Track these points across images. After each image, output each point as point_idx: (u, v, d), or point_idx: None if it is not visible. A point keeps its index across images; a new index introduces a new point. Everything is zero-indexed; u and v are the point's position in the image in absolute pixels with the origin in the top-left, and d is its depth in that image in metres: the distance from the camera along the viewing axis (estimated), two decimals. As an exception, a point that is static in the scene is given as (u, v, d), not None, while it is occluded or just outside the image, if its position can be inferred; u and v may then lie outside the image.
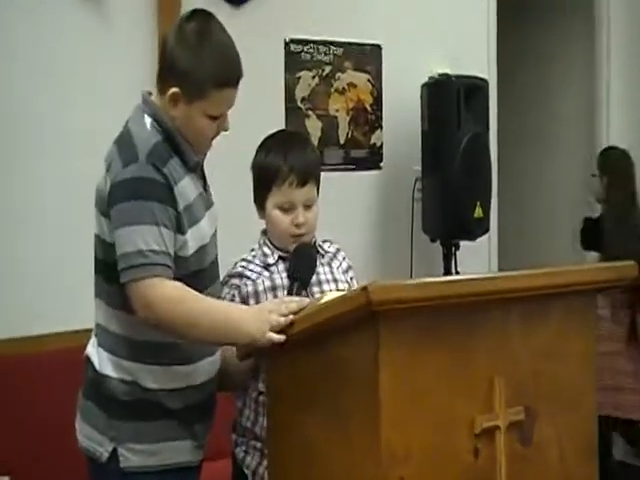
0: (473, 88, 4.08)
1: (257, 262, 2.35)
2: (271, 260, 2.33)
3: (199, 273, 2.20)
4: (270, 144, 2.35)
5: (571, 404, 2.01)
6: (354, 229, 4.19)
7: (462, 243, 4.19)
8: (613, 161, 4.45)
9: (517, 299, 1.88)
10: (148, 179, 2.08)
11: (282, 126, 3.86)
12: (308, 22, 4.03)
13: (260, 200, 2.33)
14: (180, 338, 2.09)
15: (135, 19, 3.50)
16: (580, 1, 5.37)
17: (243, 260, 2.37)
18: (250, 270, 2.33)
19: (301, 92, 4.03)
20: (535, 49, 5.80)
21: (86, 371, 2.27)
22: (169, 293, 2.04)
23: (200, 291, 2.13)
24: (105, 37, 3.47)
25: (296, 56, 4.01)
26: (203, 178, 2.32)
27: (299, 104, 4.02)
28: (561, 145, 5.66)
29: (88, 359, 2.26)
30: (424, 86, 4.15)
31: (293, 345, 1.94)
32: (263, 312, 2.03)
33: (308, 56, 4.04)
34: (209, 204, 2.31)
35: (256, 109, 3.80)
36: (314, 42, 4.05)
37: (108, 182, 2.12)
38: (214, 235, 2.30)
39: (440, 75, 4.15)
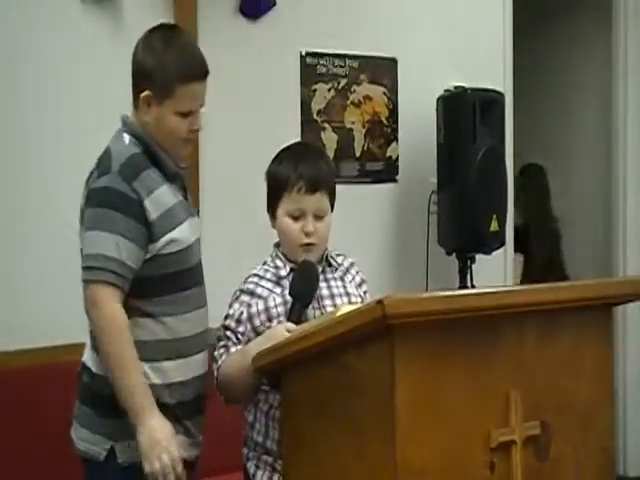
0: (489, 101, 4.08)
1: (269, 277, 2.33)
2: (283, 272, 2.32)
3: (182, 273, 2.34)
4: (284, 154, 2.38)
5: (587, 419, 2.00)
6: (370, 242, 4.19)
7: (478, 256, 4.17)
8: (532, 176, 5.25)
9: (533, 313, 1.88)
10: (115, 190, 2.24)
11: (298, 139, 3.87)
12: (324, 35, 4.04)
13: (272, 208, 2.35)
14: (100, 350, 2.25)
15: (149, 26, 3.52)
16: (597, 13, 5.36)
17: (255, 275, 2.35)
18: (262, 287, 2.31)
19: (317, 105, 4.03)
20: (551, 61, 5.80)
21: (81, 378, 2.38)
22: (116, 313, 2.21)
23: (184, 290, 2.33)
24: (117, 44, 3.48)
25: (312, 69, 4.02)
26: (184, 189, 2.46)
27: (315, 117, 4.03)
28: (577, 157, 5.65)
29: (84, 365, 2.38)
30: (440, 99, 4.14)
31: (308, 358, 1.93)
32: (159, 441, 2.17)
33: (324, 69, 4.05)
34: (191, 212, 2.44)
35: (272, 122, 3.82)
36: (330, 55, 4.06)
37: (85, 193, 2.33)
38: (197, 242, 2.43)
39: (456, 88, 4.15)
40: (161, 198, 2.29)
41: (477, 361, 1.81)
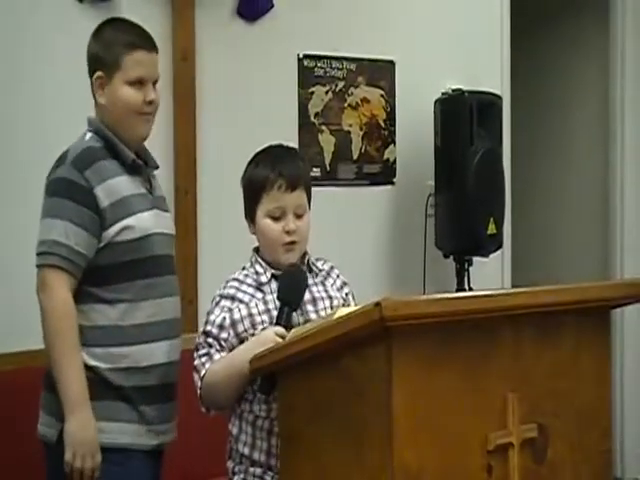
0: (486, 104, 4.08)
1: (249, 282, 2.30)
2: (264, 279, 2.29)
3: (140, 262, 2.38)
4: (259, 158, 2.35)
5: (585, 422, 1.99)
6: (367, 244, 4.19)
7: (475, 259, 4.18)
8: None
9: (530, 315, 1.88)
10: (67, 180, 2.32)
11: (295, 141, 3.87)
12: (322, 38, 4.04)
13: (251, 213, 2.32)
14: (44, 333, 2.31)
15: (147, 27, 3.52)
16: (595, 15, 5.36)
17: (235, 280, 2.32)
18: (243, 292, 2.28)
19: (314, 107, 4.03)
20: (549, 64, 5.80)
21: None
22: (63, 298, 2.28)
23: (142, 279, 2.37)
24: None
25: (309, 71, 4.02)
26: (149, 182, 2.50)
27: (312, 119, 4.03)
28: (575, 160, 5.65)
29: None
30: (437, 102, 4.15)
31: (306, 360, 1.93)
32: (88, 442, 2.26)
33: (321, 71, 4.05)
34: (157, 206, 2.47)
35: (269, 124, 3.82)
36: (327, 57, 4.06)
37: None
38: (162, 235, 2.45)
39: (453, 91, 4.15)
40: (115, 187, 2.34)
41: (475, 364, 1.81)
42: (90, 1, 3.46)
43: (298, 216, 2.28)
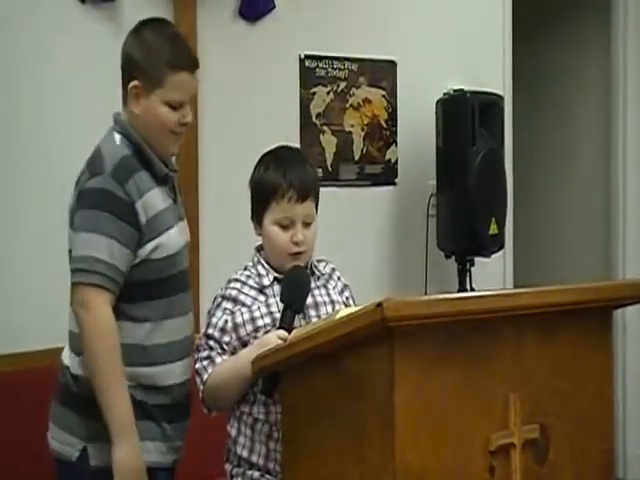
0: (488, 104, 4.08)
1: (251, 283, 2.28)
2: (266, 282, 2.28)
3: (168, 280, 2.31)
4: (268, 160, 2.31)
5: (587, 422, 1.99)
6: (368, 245, 4.19)
7: (477, 259, 4.17)
8: None
9: (532, 316, 1.87)
10: (109, 192, 2.20)
11: (297, 142, 3.87)
12: (323, 38, 4.04)
13: (258, 216, 2.29)
14: (82, 353, 2.22)
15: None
16: (597, 15, 5.36)
17: (237, 281, 2.30)
18: (245, 294, 2.27)
19: (316, 108, 4.03)
20: (550, 64, 5.80)
21: (59, 379, 2.35)
22: (108, 318, 2.18)
23: (168, 297, 2.30)
24: (117, 45, 3.48)
25: (311, 72, 4.02)
26: (174, 191, 2.42)
27: (314, 120, 4.03)
28: (577, 160, 5.65)
29: (62, 365, 2.35)
30: (439, 102, 4.14)
31: (308, 360, 1.93)
32: (137, 471, 2.18)
33: (323, 72, 4.05)
34: (180, 216, 2.41)
35: (271, 125, 3.82)
36: (329, 58, 4.06)
37: (75, 194, 2.28)
38: (185, 247, 2.40)
39: (455, 91, 4.15)
40: (151, 202, 2.26)
41: (476, 364, 1.81)
42: (92, 2, 3.46)
43: (306, 224, 2.27)
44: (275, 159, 2.31)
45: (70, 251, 2.27)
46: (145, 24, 2.36)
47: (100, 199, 2.20)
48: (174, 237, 2.32)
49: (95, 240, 2.18)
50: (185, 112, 2.32)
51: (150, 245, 2.25)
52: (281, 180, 2.23)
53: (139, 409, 2.24)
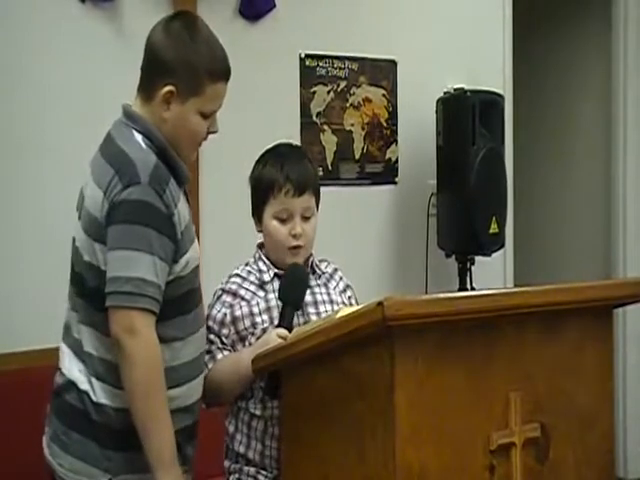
0: (489, 103, 4.08)
1: (252, 279, 2.30)
2: (267, 277, 2.29)
3: (191, 292, 2.17)
4: (267, 157, 2.33)
5: (588, 421, 1.99)
6: (369, 244, 4.19)
7: (477, 258, 4.17)
8: None
9: (533, 315, 1.87)
10: (149, 204, 2.01)
11: (298, 141, 3.87)
12: (323, 37, 4.04)
13: (258, 212, 2.31)
14: (124, 381, 2.02)
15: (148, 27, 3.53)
16: (597, 15, 5.36)
17: (237, 276, 2.31)
18: (245, 289, 2.28)
19: (316, 107, 4.03)
20: (551, 63, 5.80)
21: (65, 398, 2.16)
22: (157, 344, 2.00)
23: (190, 312, 2.14)
24: (117, 44, 3.50)
25: (311, 71, 4.02)
26: (187, 195, 2.24)
27: (314, 119, 4.03)
28: (577, 159, 5.64)
29: (73, 387, 2.14)
30: (439, 101, 4.14)
31: (308, 360, 1.93)
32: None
33: (323, 71, 4.05)
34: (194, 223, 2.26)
35: (272, 124, 3.82)
36: (329, 57, 4.06)
37: (106, 204, 2.04)
38: None
39: (455, 90, 4.15)
40: (182, 212, 2.11)
41: (477, 363, 1.81)
42: (92, 2, 3.46)
43: (305, 218, 2.28)
44: (274, 155, 2.33)
45: (86, 262, 2.10)
46: (176, 18, 2.18)
47: (140, 212, 2.00)
48: (197, 250, 2.18)
49: (139, 259, 1.99)
50: (213, 121, 2.20)
51: (183, 261, 2.09)
52: (278, 174, 2.25)
53: None
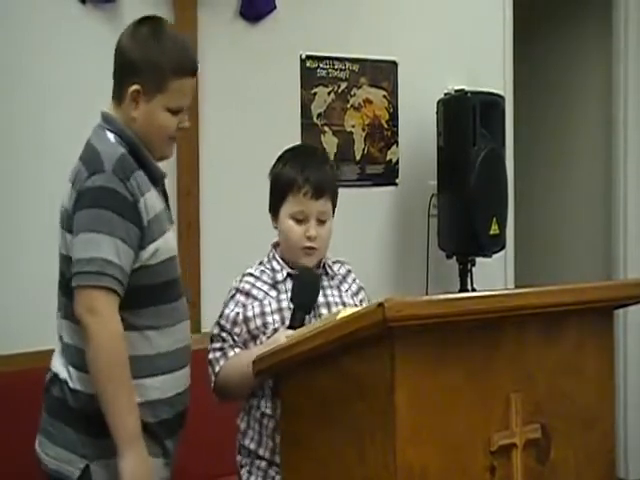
0: (489, 104, 4.08)
1: (265, 278, 2.33)
2: (280, 277, 2.32)
3: (168, 285, 2.23)
4: (289, 156, 2.37)
5: (589, 423, 1.99)
6: (369, 245, 4.19)
7: (478, 259, 4.17)
8: None
9: (534, 316, 1.87)
10: (112, 190, 2.10)
11: (298, 142, 3.87)
12: (324, 38, 4.04)
13: (274, 209, 2.34)
14: (87, 361, 2.09)
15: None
16: (598, 16, 5.36)
17: (251, 275, 2.35)
18: (258, 288, 2.32)
19: (317, 108, 4.03)
20: (552, 64, 5.80)
21: (51, 392, 2.23)
22: (119, 324, 2.07)
23: (168, 303, 2.21)
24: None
25: (312, 72, 4.02)
26: (165, 195, 2.34)
27: (315, 120, 4.03)
28: (578, 160, 5.64)
29: (57, 379, 2.22)
30: (440, 102, 4.14)
31: (308, 361, 1.93)
32: (147, 474, 2.09)
33: (324, 72, 4.05)
34: (172, 221, 2.34)
35: (272, 125, 3.82)
36: (330, 58, 4.06)
37: (74, 194, 2.15)
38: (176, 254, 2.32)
39: (456, 91, 4.15)
40: (150, 202, 2.17)
41: (478, 364, 1.81)
42: (92, 1, 3.46)
43: (321, 222, 2.31)
44: (295, 155, 2.37)
45: (61, 254, 2.20)
46: (142, 23, 2.27)
47: (103, 197, 2.09)
48: (170, 240, 2.25)
49: (101, 240, 2.06)
50: (183, 117, 2.27)
51: (151, 248, 2.15)
52: (298, 175, 2.28)
53: (143, 430, 2.13)
